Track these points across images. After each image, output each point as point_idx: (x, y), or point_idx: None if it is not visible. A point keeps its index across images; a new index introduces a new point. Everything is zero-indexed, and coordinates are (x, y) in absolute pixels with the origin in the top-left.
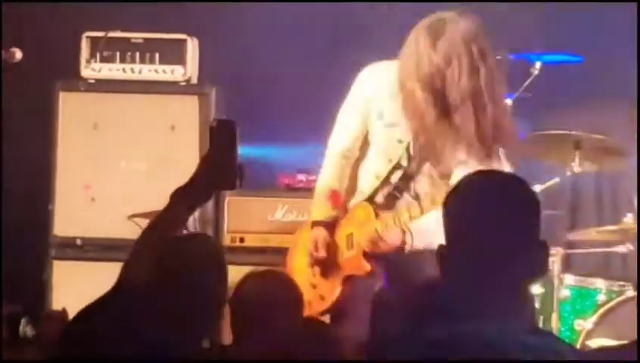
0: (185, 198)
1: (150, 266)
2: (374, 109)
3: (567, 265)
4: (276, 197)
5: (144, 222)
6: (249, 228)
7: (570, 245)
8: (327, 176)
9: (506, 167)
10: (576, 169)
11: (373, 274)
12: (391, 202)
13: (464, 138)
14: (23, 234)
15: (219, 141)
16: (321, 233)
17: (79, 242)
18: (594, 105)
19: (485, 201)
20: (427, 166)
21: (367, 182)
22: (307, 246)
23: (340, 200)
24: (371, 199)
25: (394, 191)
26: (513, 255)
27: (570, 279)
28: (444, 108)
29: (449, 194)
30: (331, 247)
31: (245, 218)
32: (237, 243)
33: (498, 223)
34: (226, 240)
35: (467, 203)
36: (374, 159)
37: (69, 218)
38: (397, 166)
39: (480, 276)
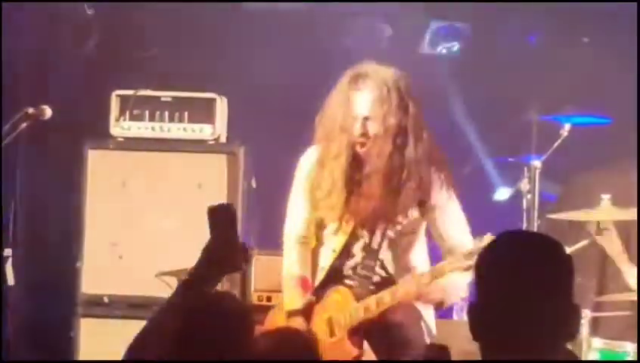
0: (194, 285)
1: (179, 323)
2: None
3: (595, 328)
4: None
5: (172, 280)
6: (276, 286)
7: (598, 308)
8: (291, 263)
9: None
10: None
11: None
12: (364, 280)
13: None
14: (52, 292)
15: (220, 226)
16: (299, 322)
17: (106, 300)
18: (622, 166)
19: (522, 261)
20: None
21: (326, 258)
22: None
23: (309, 285)
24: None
25: (362, 268)
26: (548, 318)
27: (597, 342)
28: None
29: (485, 252)
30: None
31: (272, 277)
32: (264, 302)
33: (534, 284)
34: (253, 299)
35: (504, 263)
36: (331, 233)
37: (96, 275)
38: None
39: (514, 337)
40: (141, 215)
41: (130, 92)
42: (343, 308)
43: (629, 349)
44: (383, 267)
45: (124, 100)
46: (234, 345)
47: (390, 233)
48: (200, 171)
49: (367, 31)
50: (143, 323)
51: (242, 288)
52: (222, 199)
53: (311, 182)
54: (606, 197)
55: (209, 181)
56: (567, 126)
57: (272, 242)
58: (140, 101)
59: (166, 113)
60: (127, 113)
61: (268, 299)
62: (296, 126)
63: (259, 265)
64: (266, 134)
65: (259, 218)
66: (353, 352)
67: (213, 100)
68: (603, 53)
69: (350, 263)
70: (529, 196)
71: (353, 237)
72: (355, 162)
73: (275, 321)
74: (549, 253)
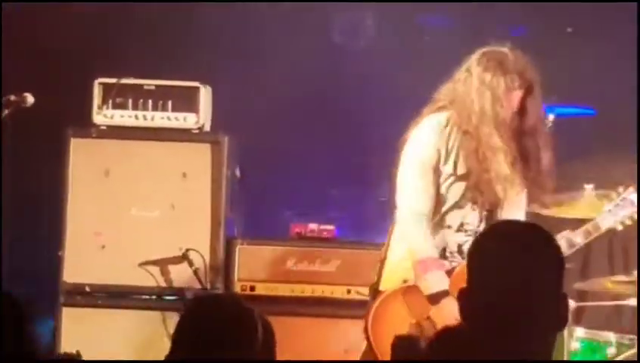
0: None
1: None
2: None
3: (578, 318)
4: (287, 246)
5: (155, 270)
6: (259, 276)
7: (581, 297)
8: (425, 243)
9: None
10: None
11: None
12: None
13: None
14: (33, 280)
15: None
16: (451, 303)
17: (87, 289)
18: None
19: (511, 251)
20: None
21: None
22: (407, 314)
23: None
24: None
25: None
26: (537, 306)
27: (580, 332)
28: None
29: (475, 242)
30: None
31: (256, 266)
32: (248, 292)
33: (523, 273)
34: (236, 288)
35: (494, 252)
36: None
37: (79, 264)
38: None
39: (503, 325)
40: (124, 204)
41: (113, 80)
42: None
43: (611, 338)
44: None
45: (107, 88)
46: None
47: (506, 206)
48: (184, 160)
49: (354, 25)
50: (124, 312)
51: (225, 277)
52: (205, 188)
53: (442, 153)
54: (589, 187)
55: (194, 170)
56: (551, 117)
57: (256, 231)
58: (123, 89)
59: (150, 102)
60: (110, 101)
61: (252, 288)
62: (282, 116)
63: (243, 255)
64: (251, 123)
65: (243, 207)
66: None
67: (197, 88)
68: (587, 43)
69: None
70: None
71: (472, 211)
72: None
73: (389, 308)
74: (540, 243)
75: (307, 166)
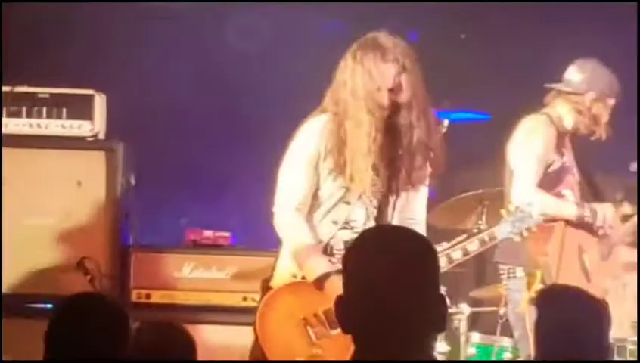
0: None
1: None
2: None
3: (474, 323)
4: (183, 253)
5: (50, 278)
6: (155, 284)
7: (477, 303)
8: (303, 233)
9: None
10: (483, 226)
11: None
12: None
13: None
14: None
15: None
16: (336, 282)
17: None
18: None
19: (383, 256)
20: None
21: (328, 231)
22: (295, 310)
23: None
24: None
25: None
26: (414, 310)
27: (476, 337)
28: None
29: (349, 250)
30: None
31: (151, 274)
32: (143, 300)
33: (399, 277)
34: (132, 297)
35: (367, 258)
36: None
37: None
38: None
39: (382, 330)
40: (19, 212)
41: (7, 88)
42: None
43: (506, 343)
44: None
45: (0, 96)
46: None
47: (398, 204)
48: (79, 168)
49: (253, 29)
50: (18, 321)
51: (121, 285)
52: (100, 195)
53: (320, 151)
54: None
55: (89, 177)
56: (446, 122)
57: (151, 238)
58: (17, 98)
59: (44, 110)
60: (3, 109)
61: (148, 296)
62: (180, 122)
63: (138, 262)
64: (148, 131)
65: (138, 215)
66: None
67: (92, 96)
68: (480, 49)
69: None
70: None
71: (358, 208)
72: (380, 133)
73: (277, 305)
74: (414, 246)
75: (204, 173)
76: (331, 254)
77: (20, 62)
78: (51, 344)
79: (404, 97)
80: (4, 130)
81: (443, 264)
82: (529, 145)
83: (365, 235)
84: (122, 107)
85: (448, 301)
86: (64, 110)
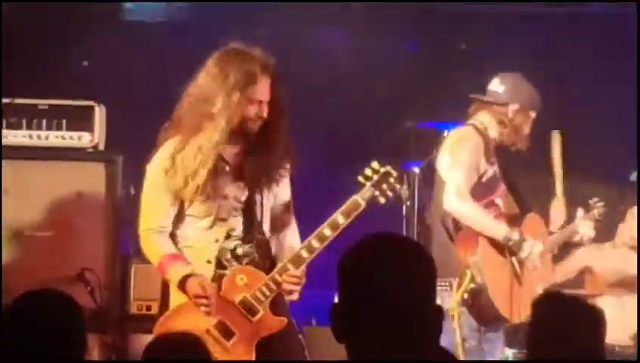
0: None
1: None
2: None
3: None
4: None
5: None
6: (156, 296)
7: None
8: (160, 247)
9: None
10: None
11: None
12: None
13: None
14: None
15: None
16: (200, 277)
17: None
18: None
19: (386, 263)
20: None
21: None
22: (188, 315)
23: (184, 259)
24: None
25: (246, 243)
26: (414, 320)
27: None
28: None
29: (348, 255)
30: (223, 285)
31: (152, 286)
32: (144, 311)
33: (398, 286)
34: (133, 308)
35: (369, 265)
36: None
37: None
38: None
39: (381, 339)
40: (20, 223)
41: (7, 100)
42: (254, 284)
43: (508, 353)
44: (261, 232)
45: (0, 108)
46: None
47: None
48: (79, 179)
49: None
50: None
51: (122, 297)
52: (100, 207)
53: (176, 170)
54: None
55: (88, 189)
56: (446, 133)
57: None
58: (17, 109)
59: (44, 121)
60: (4, 121)
61: (148, 308)
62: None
63: (139, 274)
64: (146, 142)
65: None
66: (282, 322)
67: (92, 107)
68: (481, 59)
69: (231, 244)
70: (408, 202)
71: (233, 217)
72: (242, 142)
73: (171, 324)
74: (412, 255)
75: None
76: (222, 267)
77: (19, 73)
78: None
79: (275, 109)
80: (4, 141)
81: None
82: (456, 154)
83: (363, 242)
84: (121, 118)
85: None
86: (64, 121)
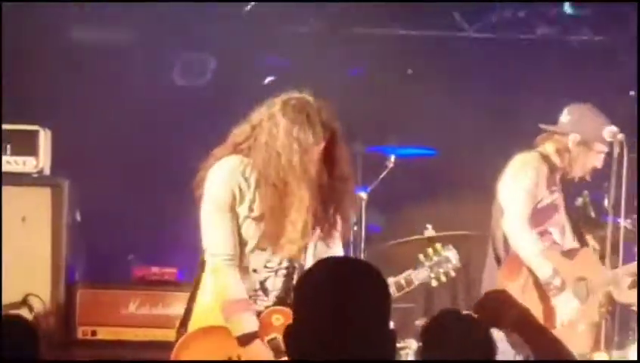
0: None
1: None
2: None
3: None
4: (129, 289)
5: None
6: (101, 321)
7: None
8: (230, 285)
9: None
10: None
11: None
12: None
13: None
14: None
15: None
16: (258, 346)
17: None
18: (446, 197)
19: (339, 286)
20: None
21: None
22: (209, 353)
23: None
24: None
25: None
26: (364, 342)
27: None
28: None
29: (302, 278)
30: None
31: (97, 311)
32: (89, 337)
33: (351, 309)
34: (78, 334)
35: (320, 288)
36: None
37: None
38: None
39: (333, 356)
40: None
41: None
42: None
43: None
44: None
45: None
46: None
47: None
48: (24, 204)
49: (192, 64)
50: None
51: (66, 322)
52: (46, 232)
53: (245, 198)
54: (430, 227)
55: (33, 214)
56: (392, 158)
57: (98, 275)
58: None
59: None
60: None
61: (93, 333)
62: (126, 159)
63: (83, 299)
64: (92, 168)
65: (85, 252)
66: None
67: (37, 132)
68: (427, 84)
69: (278, 281)
70: (355, 227)
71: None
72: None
73: (193, 344)
74: (366, 279)
75: (151, 209)
76: (249, 297)
77: None
78: None
79: (340, 169)
80: None
81: None
82: (519, 180)
83: (318, 265)
84: (66, 143)
85: None
86: (9, 145)
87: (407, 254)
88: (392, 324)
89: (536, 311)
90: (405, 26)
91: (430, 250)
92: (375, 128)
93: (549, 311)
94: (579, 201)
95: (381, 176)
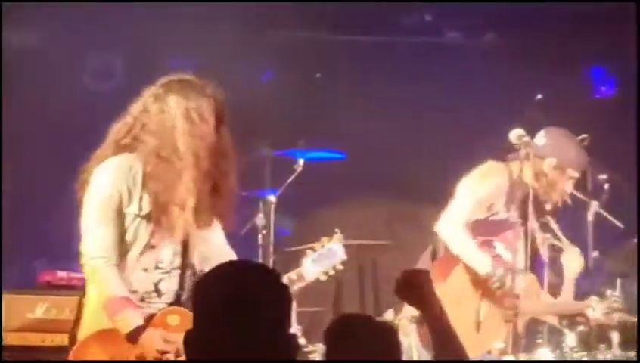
0: None
1: None
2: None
3: None
4: (36, 294)
5: None
6: (8, 326)
7: None
8: (110, 284)
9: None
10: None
11: None
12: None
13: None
14: None
15: None
16: (151, 335)
17: None
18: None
19: (235, 291)
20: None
21: (139, 280)
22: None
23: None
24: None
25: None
26: (263, 346)
27: None
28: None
29: (200, 282)
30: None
31: (3, 316)
32: (15, 342)
33: (250, 313)
34: (4, 339)
35: (218, 293)
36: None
37: None
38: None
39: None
40: None
41: None
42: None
43: None
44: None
45: None
46: None
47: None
48: None
49: (102, 66)
50: None
51: None
52: None
53: (123, 194)
54: (338, 231)
55: None
56: (301, 161)
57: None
58: None
59: None
60: None
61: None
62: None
63: (9, 305)
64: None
65: None
66: None
67: None
68: (336, 88)
69: (172, 282)
70: (264, 231)
71: (164, 248)
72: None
73: (88, 352)
74: (264, 283)
75: (60, 213)
76: (142, 300)
77: None
78: None
79: (224, 144)
80: None
81: None
82: (474, 184)
83: (217, 269)
84: None
85: (303, 339)
86: None
87: None
88: (300, 328)
89: (470, 309)
90: (315, 30)
91: (317, 245)
92: (284, 131)
93: (464, 318)
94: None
95: (290, 180)
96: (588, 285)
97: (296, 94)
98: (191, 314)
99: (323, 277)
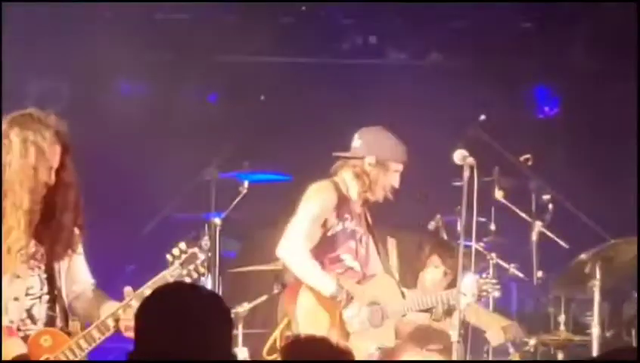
0: None
1: None
2: None
3: None
4: None
5: None
6: None
7: None
8: None
9: None
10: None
11: None
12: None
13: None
14: None
15: None
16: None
17: None
18: None
19: (180, 312)
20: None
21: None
22: None
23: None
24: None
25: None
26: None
27: None
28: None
29: (143, 305)
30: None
31: None
32: None
33: (191, 334)
34: None
35: (159, 316)
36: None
37: None
38: None
39: None
40: None
41: None
42: (60, 347)
43: None
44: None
45: None
46: None
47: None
48: None
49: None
50: None
51: None
52: None
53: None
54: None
55: None
56: (246, 183)
57: None
58: None
59: None
60: None
61: None
62: None
63: None
64: None
65: None
66: None
67: None
68: (280, 110)
69: (43, 307)
70: (209, 253)
71: (30, 277)
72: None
73: None
74: (207, 304)
75: None
76: (19, 329)
77: None
78: None
79: (68, 177)
80: None
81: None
82: (306, 205)
83: (158, 292)
84: None
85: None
86: None
87: (261, 280)
88: (246, 350)
89: (326, 329)
90: (260, 53)
91: (176, 250)
92: (229, 154)
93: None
94: (432, 225)
95: (235, 202)
96: (532, 305)
97: (241, 116)
98: (63, 334)
99: (187, 280)
